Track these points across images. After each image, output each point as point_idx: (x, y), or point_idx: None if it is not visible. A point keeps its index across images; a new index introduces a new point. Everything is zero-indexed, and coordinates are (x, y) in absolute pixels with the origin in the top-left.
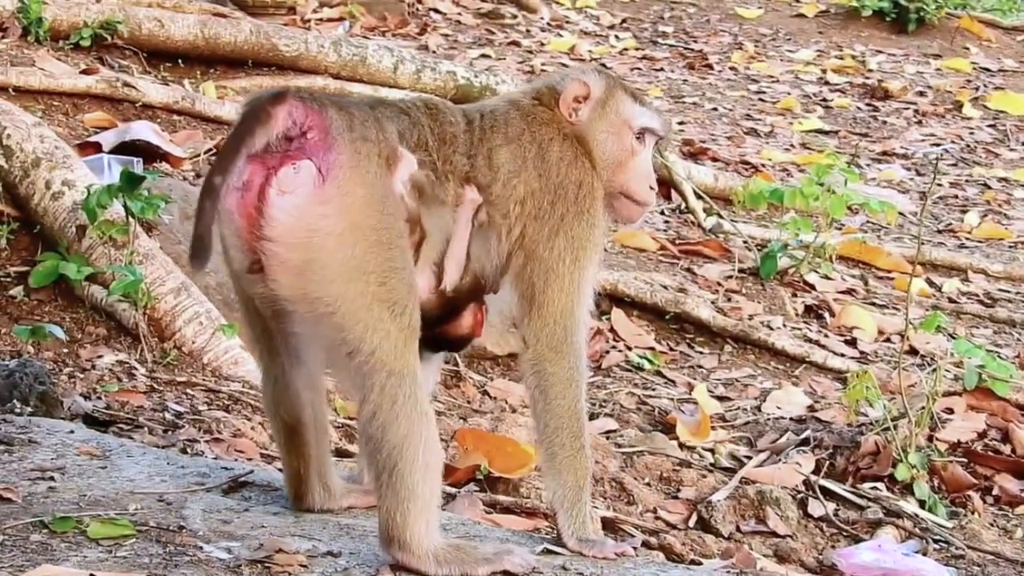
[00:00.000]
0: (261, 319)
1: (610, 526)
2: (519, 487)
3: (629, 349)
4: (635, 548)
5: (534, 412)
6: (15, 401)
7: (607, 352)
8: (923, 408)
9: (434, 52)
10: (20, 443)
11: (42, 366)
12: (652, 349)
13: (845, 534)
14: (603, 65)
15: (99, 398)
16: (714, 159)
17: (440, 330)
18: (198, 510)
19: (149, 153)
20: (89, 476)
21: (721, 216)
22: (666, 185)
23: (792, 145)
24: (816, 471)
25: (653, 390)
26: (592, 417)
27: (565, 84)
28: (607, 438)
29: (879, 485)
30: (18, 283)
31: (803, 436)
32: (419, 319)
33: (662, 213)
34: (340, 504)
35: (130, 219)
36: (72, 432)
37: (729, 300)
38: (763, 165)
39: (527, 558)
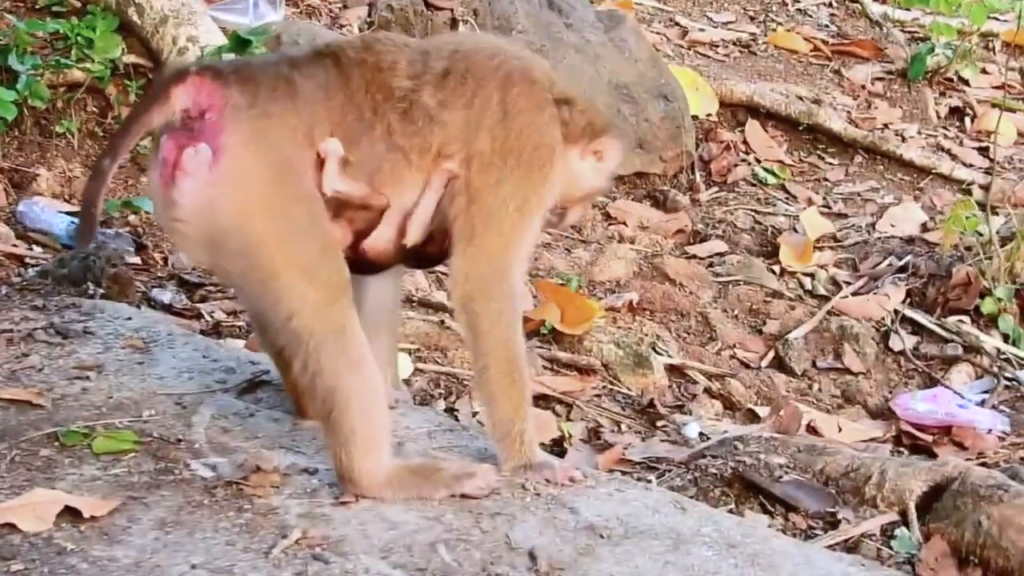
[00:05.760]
0: None
1: (677, 371)
2: (583, 340)
3: (758, 162)
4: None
5: (468, 347)
6: (88, 284)
7: (735, 166)
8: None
9: None
10: (75, 334)
11: (116, 248)
12: (780, 162)
13: (920, 371)
14: None
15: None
16: None
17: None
18: (207, 415)
19: None
20: (124, 374)
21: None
22: None
23: None
24: (905, 300)
25: (773, 206)
26: (704, 239)
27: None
28: (709, 265)
29: (964, 319)
30: None
31: (903, 262)
32: (342, 275)
33: (829, 5)
34: None
35: None
36: (129, 319)
37: (869, 106)
38: None
39: (489, 480)
